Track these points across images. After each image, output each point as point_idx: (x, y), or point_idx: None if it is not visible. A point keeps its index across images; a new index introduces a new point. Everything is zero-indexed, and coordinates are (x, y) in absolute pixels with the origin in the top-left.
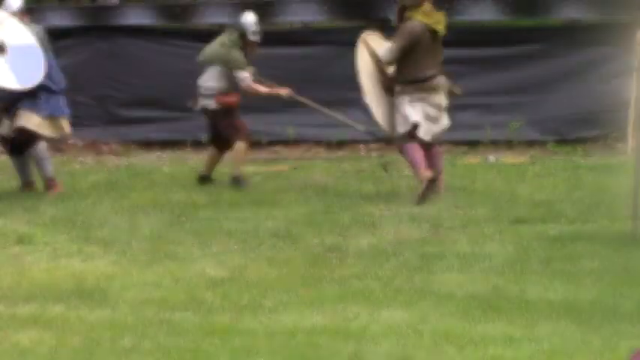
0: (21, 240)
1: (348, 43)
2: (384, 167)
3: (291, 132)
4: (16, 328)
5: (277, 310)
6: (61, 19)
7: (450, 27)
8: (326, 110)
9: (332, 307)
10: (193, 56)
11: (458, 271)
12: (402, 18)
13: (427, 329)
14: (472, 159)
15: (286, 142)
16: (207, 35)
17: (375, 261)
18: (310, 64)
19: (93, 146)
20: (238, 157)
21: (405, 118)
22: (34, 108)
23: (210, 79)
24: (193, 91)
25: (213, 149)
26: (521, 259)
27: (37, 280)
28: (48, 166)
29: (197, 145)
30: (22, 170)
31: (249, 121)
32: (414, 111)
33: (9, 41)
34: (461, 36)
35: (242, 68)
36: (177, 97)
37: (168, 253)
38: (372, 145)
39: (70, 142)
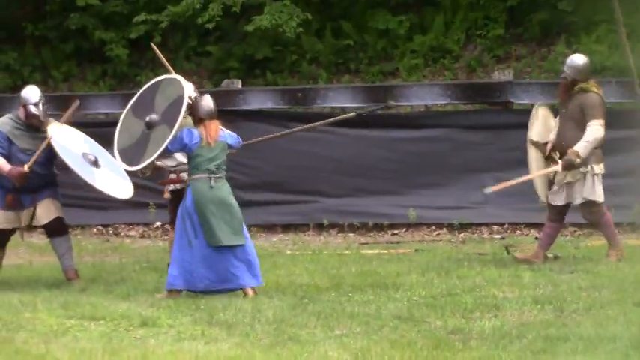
0: (145, 323)
1: (469, 126)
2: (507, 249)
3: (412, 214)
4: None
5: None
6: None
7: None
8: (310, 125)
9: None
10: (316, 139)
11: (582, 354)
12: (568, 92)
13: None
14: (595, 241)
15: (408, 225)
16: (329, 118)
17: (499, 343)
18: (431, 147)
19: None
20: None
21: (594, 191)
22: (58, 196)
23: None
24: (316, 175)
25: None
26: None
27: None
28: (72, 254)
29: (319, 227)
30: (66, 255)
31: (370, 204)
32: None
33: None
34: None
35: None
36: (299, 181)
37: (291, 336)
38: (495, 228)
39: None
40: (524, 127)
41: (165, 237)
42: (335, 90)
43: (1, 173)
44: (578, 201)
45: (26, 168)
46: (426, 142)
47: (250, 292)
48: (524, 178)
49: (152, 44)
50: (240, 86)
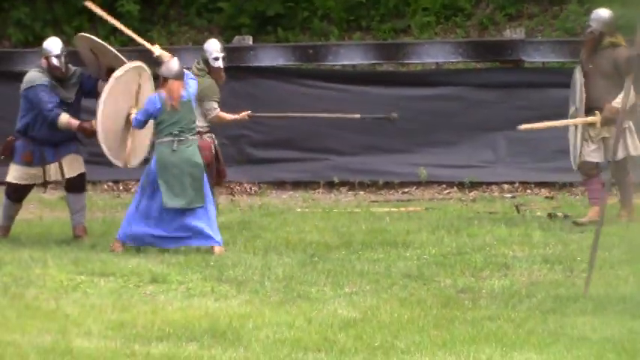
0: (155, 279)
1: (480, 84)
2: (517, 208)
3: (423, 173)
4: None
5: (410, 352)
6: (194, 60)
7: None
8: (313, 115)
9: (464, 349)
10: (327, 97)
11: (592, 314)
12: (595, 47)
13: None
14: (609, 199)
15: (418, 183)
16: (340, 76)
17: (508, 303)
18: (442, 105)
19: (226, 186)
20: None
21: (636, 146)
22: (79, 151)
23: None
24: (326, 131)
25: None
26: None
27: (171, 320)
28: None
29: (329, 185)
30: (80, 212)
31: (381, 162)
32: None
33: None
34: None
35: (212, 98)
36: (310, 138)
37: (300, 294)
38: (505, 187)
39: None
40: (535, 85)
41: None
42: (346, 47)
43: (70, 128)
44: (620, 156)
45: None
46: (437, 100)
47: (217, 249)
48: (559, 122)
49: (86, 3)
50: (251, 43)
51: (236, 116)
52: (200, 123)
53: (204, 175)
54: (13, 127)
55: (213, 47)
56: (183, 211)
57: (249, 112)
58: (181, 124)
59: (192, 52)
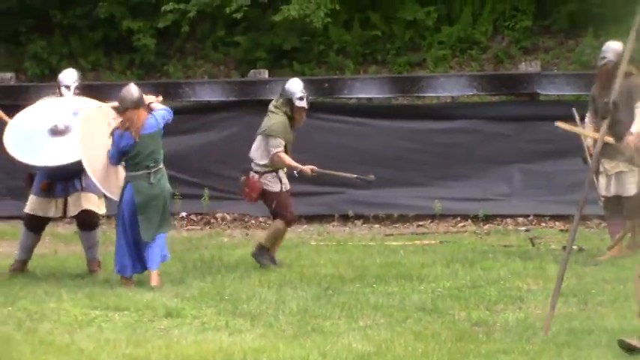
0: (169, 313)
1: (495, 117)
2: (532, 241)
3: (437, 206)
4: None
5: None
6: (211, 94)
7: None
8: (336, 173)
9: None
10: (342, 130)
11: (606, 347)
12: (611, 77)
13: None
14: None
15: (433, 217)
16: (356, 110)
17: (522, 336)
18: (457, 138)
19: (241, 220)
20: (273, 232)
21: None
22: (90, 188)
23: (255, 150)
24: (341, 165)
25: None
26: None
27: (185, 354)
28: (97, 248)
29: (344, 218)
30: (92, 248)
31: (395, 195)
32: None
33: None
34: None
35: (276, 136)
36: None
37: (315, 327)
38: (520, 220)
39: (218, 215)
40: (550, 118)
41: (190, 227)
42: (362, 81)
43: None
44: (631, 192)
45: None
46: (452, 134)
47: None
48: (584, 131)
49: None
50: (267, 76)
51: (297, 165)
52: (261, 161)
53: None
54: None
55: (297, 87)
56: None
57: (313, 167)
58: (154, 154)
59: (209, 86)
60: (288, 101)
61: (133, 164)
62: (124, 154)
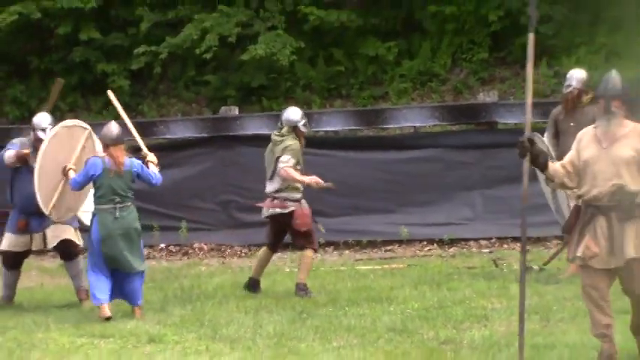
0: (152, 339)
1: (456, 146)
2: (495, 262)
3: (404, 231)
4: None
5: None
6: (184, 131)
7: None
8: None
9: None
10: (311, 161)
11: None
12: (576, 105)
13: None
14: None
15: (400, 242)
16: (323, 142)
17: (488, 352)
18: (420, 167)
19: (217, 249)
20: (307, 264)
21: None
22: (69, 220)
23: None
24: (310, 194)
25: (268, 253)
26: (628, 347)
27: None
28: (82, 276)
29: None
30: (77, 276)
31: (364, 222)
32: None
33: None
34: None
35: (288, 154)
36: None
37: (291, 349)
38: (483, 242)
39: (195, 246)
40: (509, 145)
41: (170, 258)
42: (328, 114)
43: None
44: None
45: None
46: (416, 162)
47: (137, 312)
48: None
49: (109, 92)
50: (237, 113)
51: (304, 178)
52: (293, 194)
53: (141, 240)
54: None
55: (298, 114)
56: (122, 274)
57: (330, 184)
58: (123, 189)
59: (182, 123)
60: (293, 128)
61: (99, 196)
62: (90, 182)
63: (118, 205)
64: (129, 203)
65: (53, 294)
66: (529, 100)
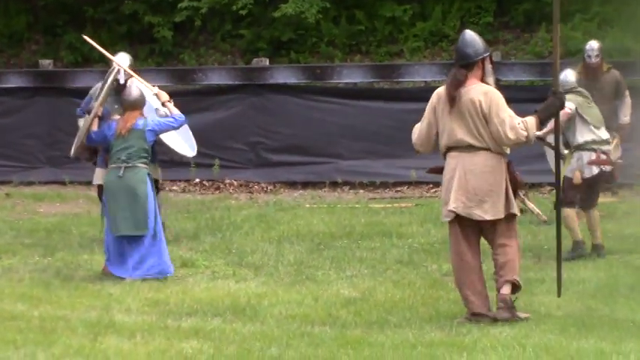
0: (185, 264)
1: None
2: None
3: (413, 174)
4: (180, 338)
5: (401, 326)
6: (220, 79)
7: None
8: None
9: (448, 324)
10: (331, 110)
11: (556, 294)
12: (597, 71)
13: (530, 343)
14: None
15: (409, 183)
16: (343, 92)
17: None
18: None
19: (246, 186)
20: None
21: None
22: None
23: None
24: (330, 139)
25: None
26: (610, 284)
27: (198, 298)
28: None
29: (334, 185)
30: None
31: (378, 165)
32: None
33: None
34: None
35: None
36: (317, 145)
37: (309, 276)
38: None
39: (226, 181)
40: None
41: (203, 192)
42: (348, 68)
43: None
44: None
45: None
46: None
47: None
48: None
49: (83, 35)
50: (267, 64)
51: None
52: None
53: (151, 204)
54: (67, 137)
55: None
56: (131, 242)
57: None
58: (131, 150)
59: (218, 72)
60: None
61: (111, 156)
62: (104, 142)
63: (124, 165)
64: (140, 164)
65: (98, 221)
66: (557, 59)
